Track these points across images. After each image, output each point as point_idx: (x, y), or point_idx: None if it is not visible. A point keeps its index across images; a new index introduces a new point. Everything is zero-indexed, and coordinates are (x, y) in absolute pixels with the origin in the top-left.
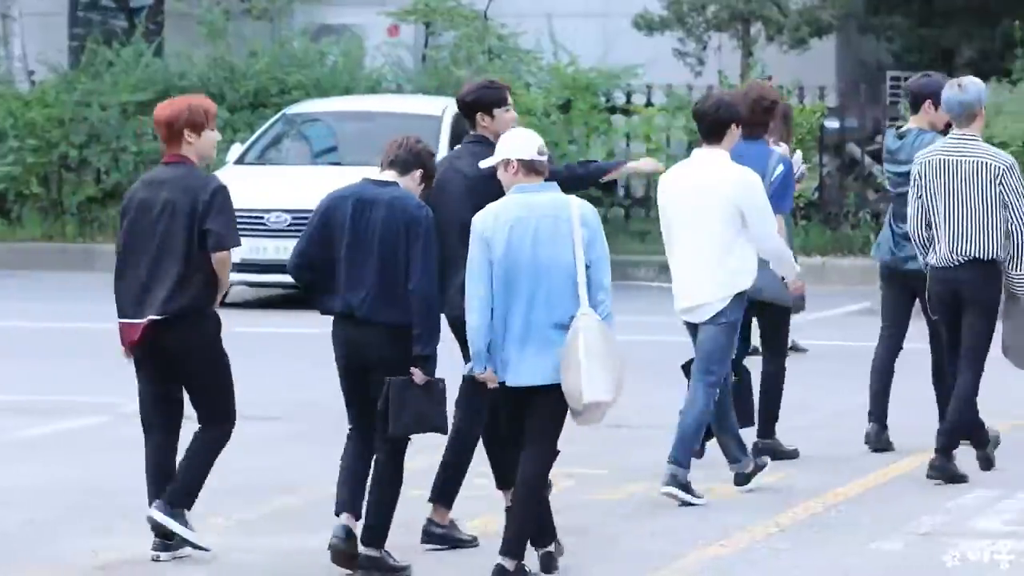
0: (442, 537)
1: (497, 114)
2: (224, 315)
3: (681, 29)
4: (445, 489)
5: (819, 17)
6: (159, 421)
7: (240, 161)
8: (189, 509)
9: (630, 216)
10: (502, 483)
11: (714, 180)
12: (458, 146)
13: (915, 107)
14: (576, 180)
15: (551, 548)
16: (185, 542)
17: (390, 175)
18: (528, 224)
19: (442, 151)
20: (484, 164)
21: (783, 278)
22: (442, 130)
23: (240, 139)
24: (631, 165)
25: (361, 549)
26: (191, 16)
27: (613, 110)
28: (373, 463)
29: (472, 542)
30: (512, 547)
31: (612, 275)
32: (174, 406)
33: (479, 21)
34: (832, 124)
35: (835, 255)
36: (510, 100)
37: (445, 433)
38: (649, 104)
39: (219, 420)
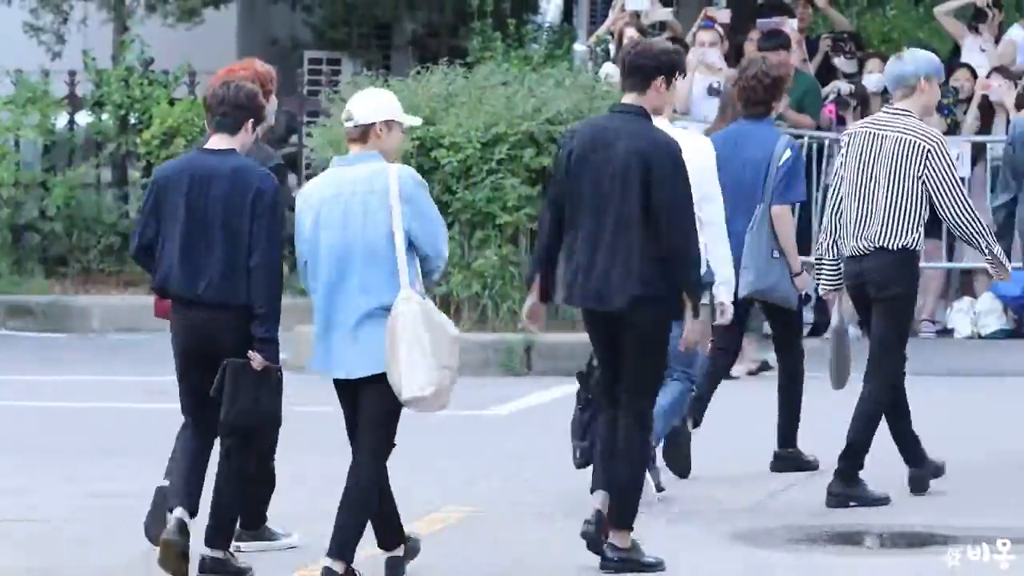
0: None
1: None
2: None
3: None
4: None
5: None
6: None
7: None
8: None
9: None
10: None
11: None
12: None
13: None
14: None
15: (398, 552)
16: None
17: (222, 140)
18: (337, 203)
19: None
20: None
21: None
22: None
23: None
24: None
25: (204, 550)
26: None
27: None
28: (219, 457)
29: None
30: (338, 548)
31: None
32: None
33: None
34: None
35: None
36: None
37: (278, 426)
38: None
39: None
